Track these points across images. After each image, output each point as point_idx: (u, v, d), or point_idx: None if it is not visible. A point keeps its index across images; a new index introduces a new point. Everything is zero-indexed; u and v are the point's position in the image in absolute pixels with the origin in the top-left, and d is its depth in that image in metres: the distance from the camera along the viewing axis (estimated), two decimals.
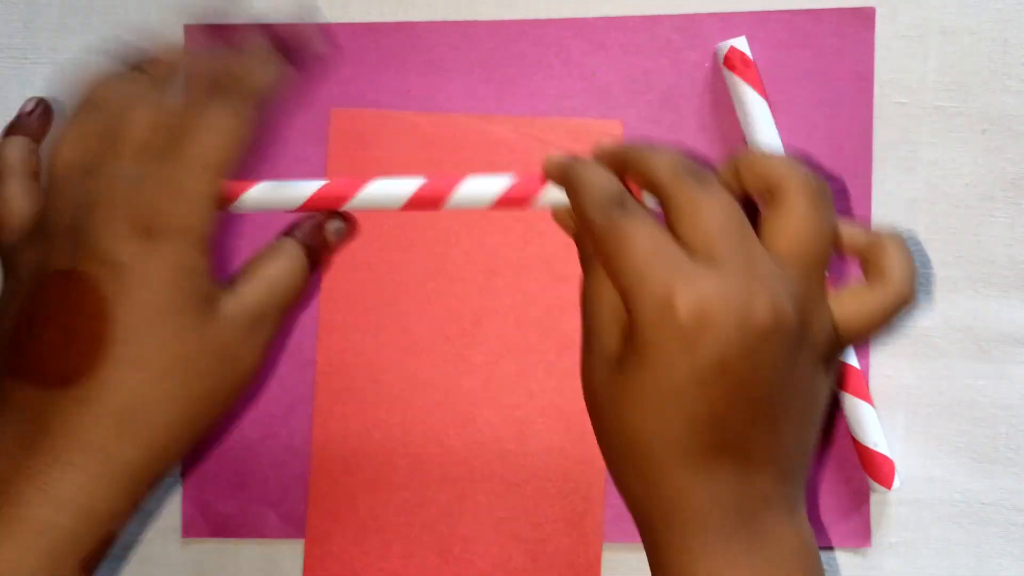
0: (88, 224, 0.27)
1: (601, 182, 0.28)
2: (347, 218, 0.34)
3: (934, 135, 0.38)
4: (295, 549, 0.39)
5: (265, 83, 0.31)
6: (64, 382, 0.26)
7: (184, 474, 0.39)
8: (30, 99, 0.35)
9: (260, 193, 0.30)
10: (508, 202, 0.31)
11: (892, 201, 0.38)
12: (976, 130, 0.38)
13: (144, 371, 0.27)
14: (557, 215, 0.32)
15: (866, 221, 0.38)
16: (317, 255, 0.33)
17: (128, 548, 0.39)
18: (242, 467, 0.38)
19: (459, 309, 0.38)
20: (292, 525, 0.38)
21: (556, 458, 0.38)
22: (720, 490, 0.27)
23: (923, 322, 0.38)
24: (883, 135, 0.38)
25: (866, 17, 0.37)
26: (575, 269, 0.31)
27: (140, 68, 0.32)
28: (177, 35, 0.39)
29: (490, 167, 0.38)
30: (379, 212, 0.38)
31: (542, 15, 0.38)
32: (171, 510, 0.39)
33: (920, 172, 0.38)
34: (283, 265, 0.31)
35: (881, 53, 0.38)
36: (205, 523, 0.39)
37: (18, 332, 0.27)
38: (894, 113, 0.38)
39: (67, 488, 0.27)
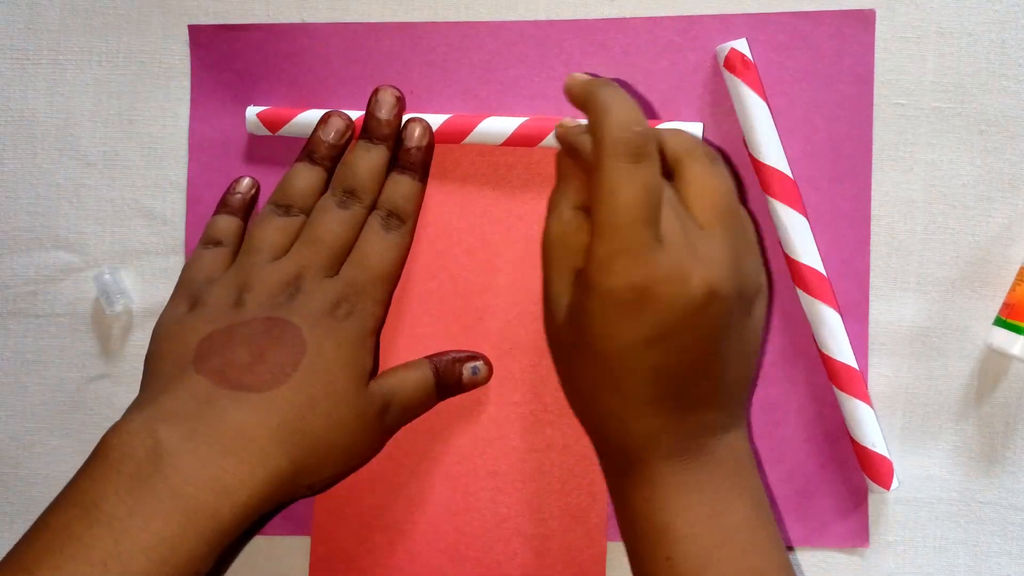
0: (301, 294, 0.34)
1: (624, 115, 0.28)
2: (486, 362, 0.38)
3: (932, 136, 0.38)
4: (301, 546, 0.39)
5: (418, 209, 0.38)
6: (246, 388, 0.31)
7: None
8: (243, 179, 0.39)
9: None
10: (519, 139, 0.37)
11: (891, 201, 0.38)
12: (974, 131, 0.38)
13: (312, 399, 0.32)
14: (559, 132, 0.33)
15: (865, 221, 0.38)
16: (447, 382, 0.37)
17: None
18: None
19: (462, 306, 0.38)
20: (298, 523, 0.39)
21: (560, 454, 0.38)
22: (668, 424, 0.31)
23: (921, 322, 0.38)
24: (882, 136, 0.38)
25: (866, 19, 0.38)
26: None
27: (347, 194, 0.37)
28: (181, 36, 0.39)
29: (491, 166, 0.38)
30: None
31: (542, 16, 0.38)
32: None
33: (919, 172, 0.38)
34: (415, 376, 0.37)
35: (880, 55, 0.38)
36: None
37: (215, 345, 0.32)
38: (893, 114, 0.38)
39: (219, 473, 0.30)
